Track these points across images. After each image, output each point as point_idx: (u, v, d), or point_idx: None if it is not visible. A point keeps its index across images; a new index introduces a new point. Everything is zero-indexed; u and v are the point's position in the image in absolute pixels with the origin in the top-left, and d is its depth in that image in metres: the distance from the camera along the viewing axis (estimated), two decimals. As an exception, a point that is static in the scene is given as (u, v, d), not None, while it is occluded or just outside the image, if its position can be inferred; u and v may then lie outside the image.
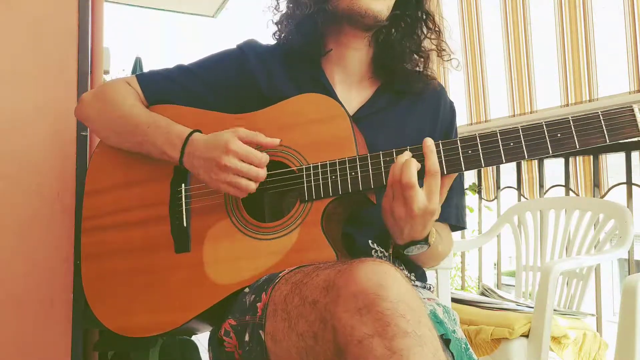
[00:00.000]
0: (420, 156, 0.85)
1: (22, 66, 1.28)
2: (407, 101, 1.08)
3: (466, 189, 2.75)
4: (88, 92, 1.12)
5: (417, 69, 1.07)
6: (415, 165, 0.83)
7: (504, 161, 0.83)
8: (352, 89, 1.07)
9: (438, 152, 0.86)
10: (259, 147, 0.92)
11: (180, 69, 1.09)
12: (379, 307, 0.62)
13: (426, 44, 1.09)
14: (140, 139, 0.99)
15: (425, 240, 0.90)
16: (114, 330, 0.97)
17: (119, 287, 0.99)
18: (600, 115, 0.80)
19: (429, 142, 0.85)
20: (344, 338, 0.63)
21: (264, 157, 0.90)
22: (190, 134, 0.94)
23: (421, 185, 0.84)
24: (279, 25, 1.10)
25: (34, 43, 1.29)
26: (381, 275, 0.65)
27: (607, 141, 0.80)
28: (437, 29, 1.09)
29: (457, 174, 0.87)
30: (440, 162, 0.85)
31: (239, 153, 0.88)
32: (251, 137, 0.91)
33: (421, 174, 0.84)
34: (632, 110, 0.79)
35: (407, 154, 0.85)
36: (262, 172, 0.89)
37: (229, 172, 0.88)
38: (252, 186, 0.89)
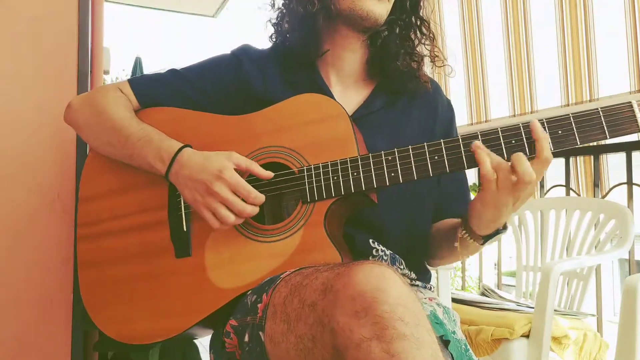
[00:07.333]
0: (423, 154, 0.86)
1: (22, 66, 1.28)
2: (404, 101, 1.08)
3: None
4: (76, 97, 1.10)
5: (412, 69, 1.07)
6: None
7: (506, 159, 0.83)
8: (348, 90, 1.07)
9: (440, 152, 0.85)
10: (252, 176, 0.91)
11: (173, 73, 1.09)
12: (377, 310, 0.62)
13: (420, 49, 1.09)
14: (130, 152, 0.98)
15: (505, 226, 0.91)
16: (114, 338, 0.96)
17: (118, 294, 0.98)
18: (600, 112, 0.81)
19: (540, 128, 0.81)
20: (342, 341, 0.62)
21: (258, 197, 0.89)
22: (180, 149, 0.94)
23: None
24: (276, 27, 1.10)
25: (34, 43, 1.29)
26: (379, 277, 0.64)
27: (608, 137, 0.80)
28: (431, 35, 1.10)
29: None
30: (443, 162, 0.85)
31: (230, 182, 0.88)
32: (246, 165, 0.90)
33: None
34: (631, 106, 0.80)
35: (481, 144, 0.82)
36: (249, 209, 0.88)
37: (215, 199, 0.88)
38: (231, 220, 0.88)
